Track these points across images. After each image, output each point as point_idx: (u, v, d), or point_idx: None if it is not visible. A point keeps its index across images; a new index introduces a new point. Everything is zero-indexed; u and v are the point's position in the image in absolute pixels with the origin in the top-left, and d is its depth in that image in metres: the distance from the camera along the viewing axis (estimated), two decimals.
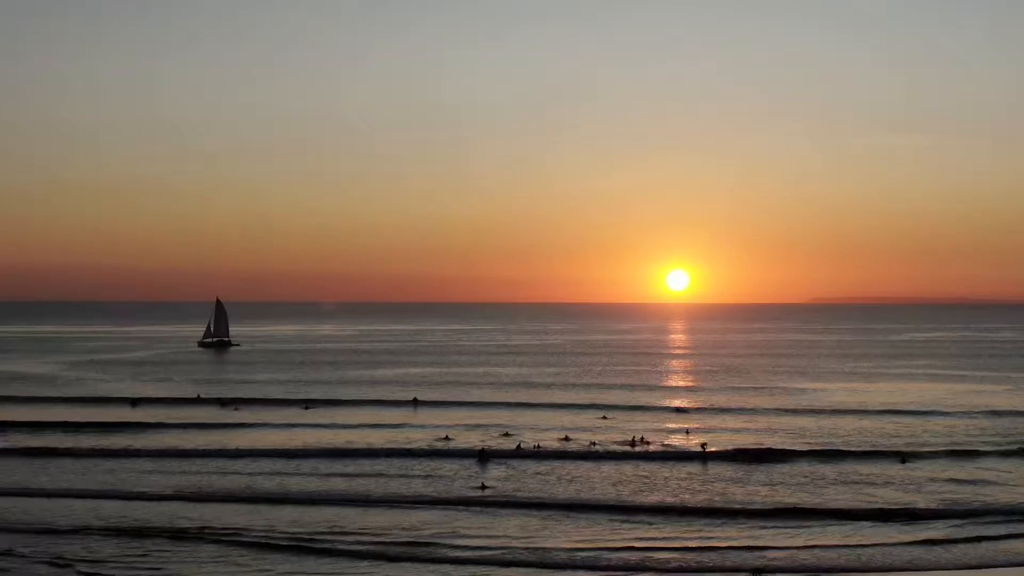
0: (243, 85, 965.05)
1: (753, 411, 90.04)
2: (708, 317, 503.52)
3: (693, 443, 70.09)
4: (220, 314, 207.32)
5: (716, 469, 60.98)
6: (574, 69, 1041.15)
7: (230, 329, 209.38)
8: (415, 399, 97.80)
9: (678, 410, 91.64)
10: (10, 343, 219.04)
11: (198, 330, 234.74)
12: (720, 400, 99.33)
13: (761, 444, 69.59)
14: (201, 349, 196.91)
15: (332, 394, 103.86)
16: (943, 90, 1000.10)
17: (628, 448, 68.57)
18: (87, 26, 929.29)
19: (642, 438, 72.03)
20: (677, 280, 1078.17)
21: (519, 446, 68.45)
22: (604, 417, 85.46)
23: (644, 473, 59.35)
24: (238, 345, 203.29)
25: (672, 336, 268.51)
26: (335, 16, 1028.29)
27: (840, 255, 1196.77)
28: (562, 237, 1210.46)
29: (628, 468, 61.08)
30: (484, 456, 64.54)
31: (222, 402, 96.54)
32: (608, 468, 61.09)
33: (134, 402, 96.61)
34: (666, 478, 57.84)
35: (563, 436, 73.35)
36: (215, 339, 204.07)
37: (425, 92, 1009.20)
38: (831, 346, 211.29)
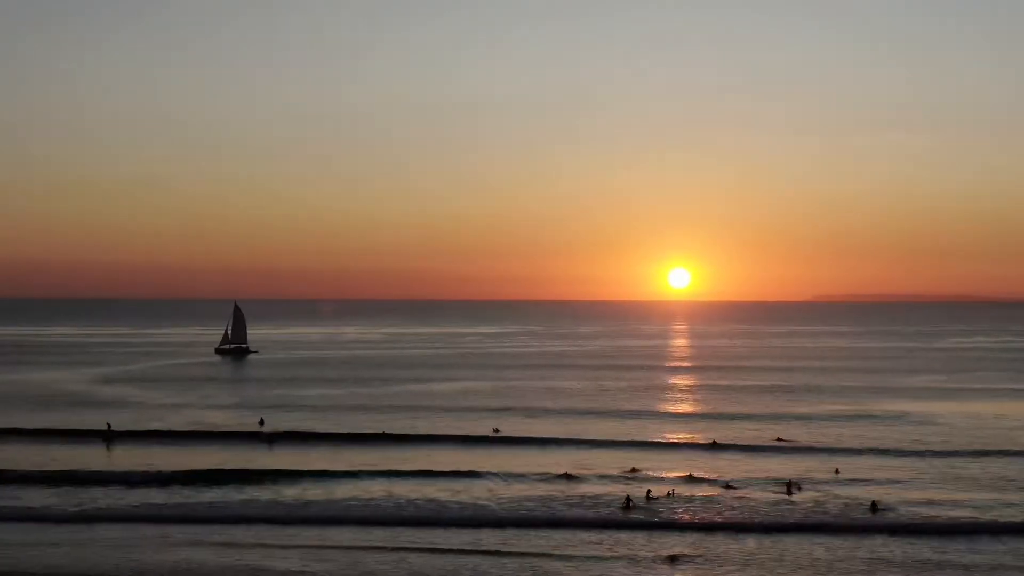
0: (248, 82, 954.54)
1: (884, 452, 75.99)
2: (729, 318, 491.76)
3: (860, 495, 58.34)
4: (238, 319, 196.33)
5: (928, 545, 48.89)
6: (581, 69, 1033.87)
7: (248, 334, 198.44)
8: (495, 430, 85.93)
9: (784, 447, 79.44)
10: (30, 349, 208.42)
11: (212, 333, 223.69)
12: (834, 434, 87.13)
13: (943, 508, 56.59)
14: (219, 357, 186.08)
15: (395, 423, 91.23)
16: (942, 88, 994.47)
17: (788, 496, 57.65)
18: (91, 24, 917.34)
19: (797, 484, 60.90)
20: (679, 278, 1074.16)
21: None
22: (713, 442, 74.32)
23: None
24: (256, 352, 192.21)
25: (712, 342, 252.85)
26: (344, 11, 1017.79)
27: (841, 253, 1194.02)
28: (566, 235, 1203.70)
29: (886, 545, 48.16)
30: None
31: (269, 438, 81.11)
32: (840, 543, 48.57)
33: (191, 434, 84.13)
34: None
35: (724, 484, 61.58)
36: (232, 345, 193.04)
37: (434, 89, 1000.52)
38: (882, 355, 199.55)
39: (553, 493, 59.25)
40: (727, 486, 60.94)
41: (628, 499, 56.21)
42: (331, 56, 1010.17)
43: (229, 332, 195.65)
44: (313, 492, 60.13)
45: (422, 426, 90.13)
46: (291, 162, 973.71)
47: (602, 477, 64.71)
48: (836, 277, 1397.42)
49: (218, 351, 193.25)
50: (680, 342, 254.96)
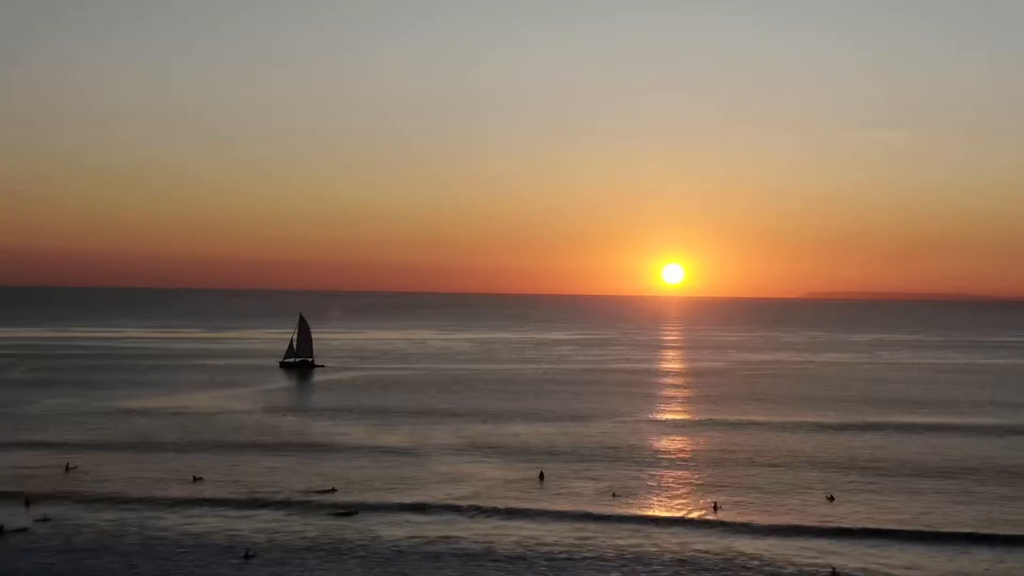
0: (254, 72, 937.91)
1: None
2: (775, 319, 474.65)
3: None
4: (303, 330, 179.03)
5: None
6: (583, 66, 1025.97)
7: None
8: (715, 504, 68.12)
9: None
10: (123, 358, 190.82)
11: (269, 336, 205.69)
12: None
13: None
14: (284, 371, 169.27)
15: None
16: (924, 86, 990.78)
17: None
18: (104, 9, 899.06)
19: None
20: (673, 273, 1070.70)
21: None
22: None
23: None
24: (322, 366, 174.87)
25: (807, 357, 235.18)
26: (359, 2, 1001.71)
27: (833, 250, 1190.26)
28: (567, 229, 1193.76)
29: None
30: None
31: (347, 511, 64.89)
32: None
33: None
34: None
35: None
36: (298, 359, 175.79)
37: (438, 83, 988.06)
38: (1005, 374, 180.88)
39: None
40: None
41: None
42: (342, 47, 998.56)
43: (294, 343, 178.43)
44: None
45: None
46: (297, 152, 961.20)
47: None
48: (829, 274, 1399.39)
49: (283, 365, 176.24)
50: (736, 358, 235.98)
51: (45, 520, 61.42)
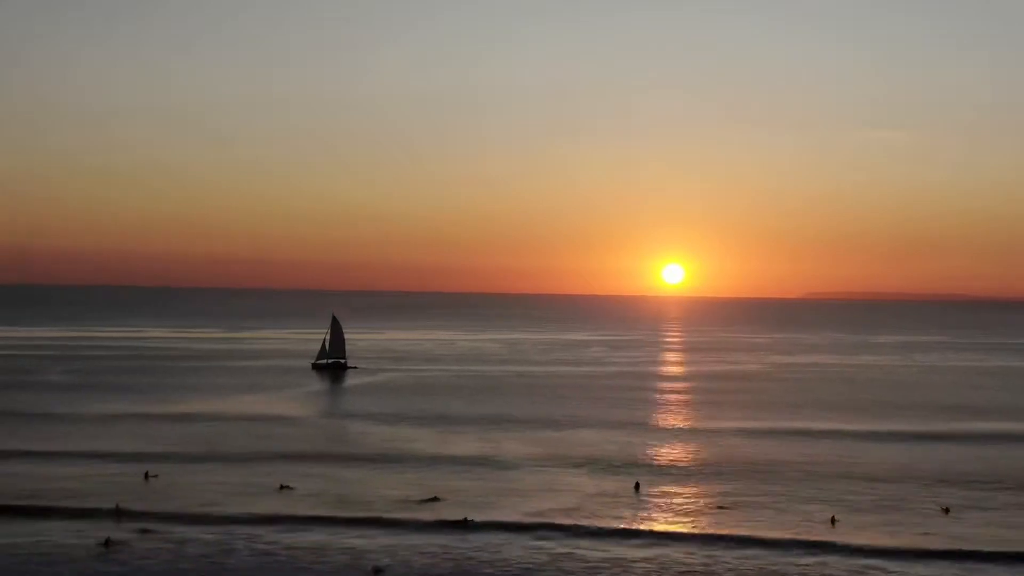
0: (254, 72, 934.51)
1: None
2: (819, 322, 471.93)
3: None
4: (336, 331, 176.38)
5: None
6: (581, 67, 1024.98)
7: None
8: (832, 518, 65.54)
9: None
10: (154, 361, 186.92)
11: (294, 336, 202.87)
12: None
13: None
14: (316, 373, 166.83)
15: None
16: (924, 86, 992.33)
17: None
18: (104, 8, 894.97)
19: None
20: (673, 273, 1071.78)
21: None
22: None
23: None
24: (355, 368, 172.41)
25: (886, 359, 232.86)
26: (358, 2, 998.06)
27: (833, 250, 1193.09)
28: (566, 229, 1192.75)
29: None
30: None
31: (458, 521, 62.33)
32: None
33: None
34: None
35: None
36: (331, 360, 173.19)
37: (437, 83, 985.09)
38: None
39: None
40: None
41: None
42: (341, 46, 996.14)
43: (327, 344, 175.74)
44: None
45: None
46: (301, 153, 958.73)
47: None
48: (828, 274, 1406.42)
49: (315, 367, 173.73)
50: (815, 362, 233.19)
51: (144, 532, 58.84)
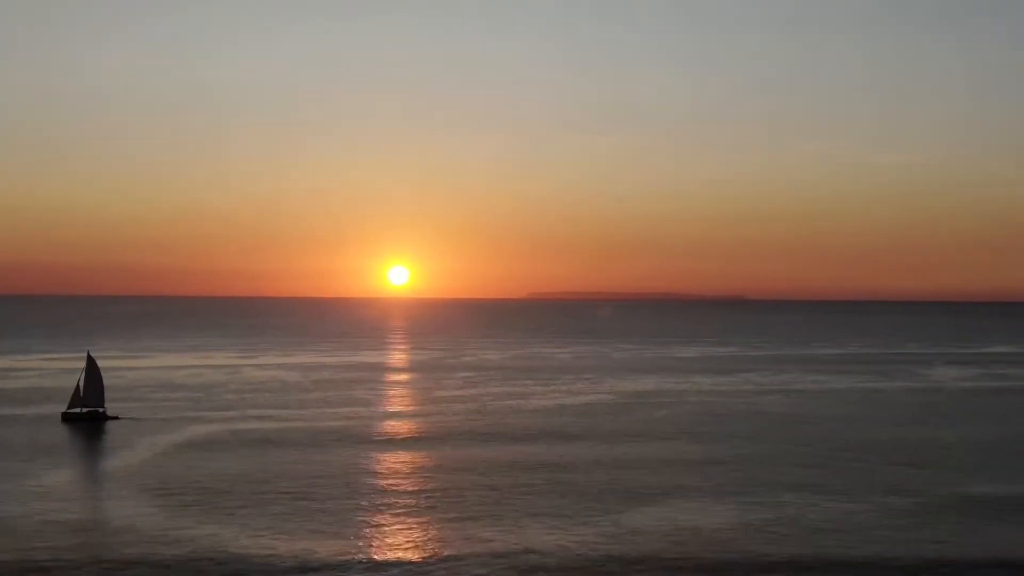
0: None
1: None
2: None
3: None
4: (91, 372, 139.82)
5: None
6: (307, 68, 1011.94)
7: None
8: None
9: None
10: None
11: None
12: None
13: None
14: (67, 426, 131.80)
15: None
16: (630, 94, 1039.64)
17: None
18: None
19: None
20: (398, 275, 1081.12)
21: None
22: None
23: None
24: (116, 418, 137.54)
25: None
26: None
27: (550, 252, 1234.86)
28: (296, 230, 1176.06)
29: None
30: None
31: None
32: None
33: None
34: None
35: None
36: (86, 409, 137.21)
37: (168, 79, 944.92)
38: None
39: None
40: None
41: None
42: (59, 37, 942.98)
43: (81, 388, 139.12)
44: None
45: None
46: (20, 150, 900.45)
47: None
48: (548, 274, 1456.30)
49: (66, 417, 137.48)
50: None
51: None
